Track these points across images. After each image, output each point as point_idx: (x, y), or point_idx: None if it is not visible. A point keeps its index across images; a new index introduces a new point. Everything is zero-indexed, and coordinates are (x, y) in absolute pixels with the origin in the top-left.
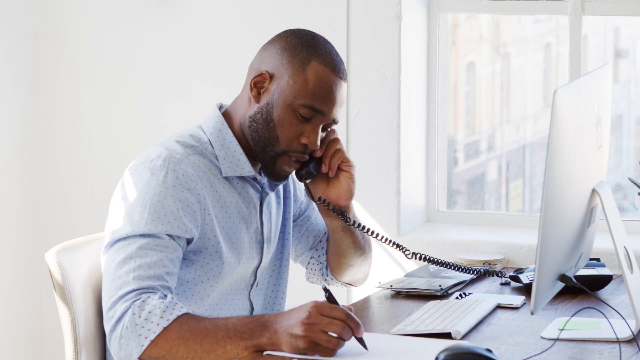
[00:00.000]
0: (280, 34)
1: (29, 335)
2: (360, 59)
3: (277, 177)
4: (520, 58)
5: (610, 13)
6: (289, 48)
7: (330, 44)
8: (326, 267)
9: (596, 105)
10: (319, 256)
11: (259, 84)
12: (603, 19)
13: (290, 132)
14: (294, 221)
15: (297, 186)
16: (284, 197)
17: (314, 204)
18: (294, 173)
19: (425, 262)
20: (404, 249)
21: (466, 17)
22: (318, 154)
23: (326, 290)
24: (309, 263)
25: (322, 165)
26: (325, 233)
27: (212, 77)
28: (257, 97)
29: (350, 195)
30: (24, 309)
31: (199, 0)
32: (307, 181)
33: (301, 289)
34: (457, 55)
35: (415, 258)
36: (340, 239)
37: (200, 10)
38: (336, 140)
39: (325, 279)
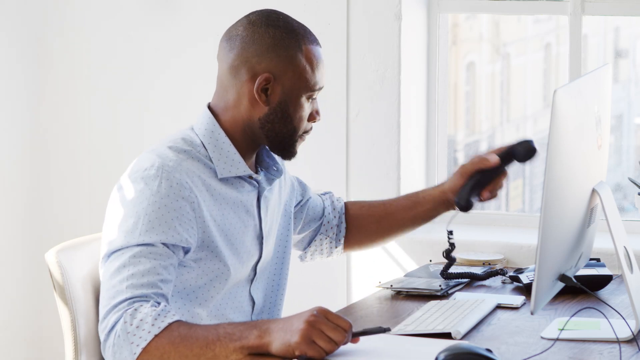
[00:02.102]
0: (255, 29)
1: (29, 335)
2: (360, 59)
3: (292, 156)
4: (520, 58)
5: (610, 13)
6: (278, 43)
7: (291, 16)
8: (337, 239)
9: (596, 105)
10: (326, 230)
11: (263, 86)
12: (603, 19)
13: (304, 118)
14: (295, 206)
15: (288, 180)
16: (283, 190)
17: (309, 190)
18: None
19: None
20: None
21: (466, 17)
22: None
23: (385, 329)
24: (314, 240)
25: (484, 193)
26: (323, 211)
27: (213, 78)
28: (267, 100)
29: None
30: (24, 309)
31: (200, 1)
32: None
33: (301, 292)
34: (457, 55)
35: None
36: (415, 226)
37: (201, 11)
38: (504, 174)
39: (331, 252)
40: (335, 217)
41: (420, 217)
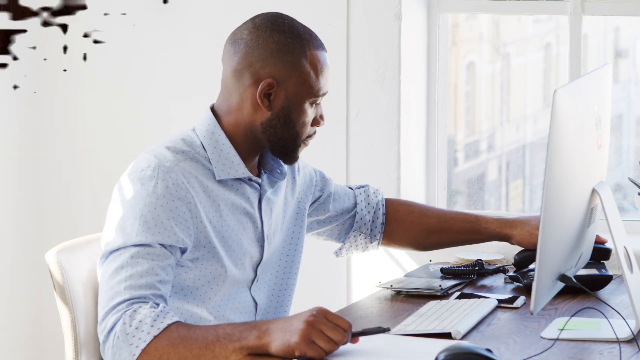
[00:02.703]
0: (259, 33)
1: (29, 336)
2: (360, 59)
3: (294, 161)
4: (520, 58)
5: (610, 13)
6: (282, 48)
7: (297, 20)
8: (372, 235)
9: (596, 105)
10: (360, 227)
11: (266, 91)
12: (603, 19)
13: (307, 124)
14: (312, 204)
15: (306, 176)
16: (292, 190)
17: (330, 185)
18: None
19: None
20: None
21: (466, 17)
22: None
23: (385, 329)
24: (348, 236)
25: None
26: (354, 206)
27: (214, 78)
28: (269, 105)
29: None
30: (24, 309)
31: (200, 1)
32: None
33: (301, 292)
34: (457, 55)
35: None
36: (462, 245)
37: (201, 11)
38: None
39: (367, 247)
40: (369, 212)
41: (471, 242)
